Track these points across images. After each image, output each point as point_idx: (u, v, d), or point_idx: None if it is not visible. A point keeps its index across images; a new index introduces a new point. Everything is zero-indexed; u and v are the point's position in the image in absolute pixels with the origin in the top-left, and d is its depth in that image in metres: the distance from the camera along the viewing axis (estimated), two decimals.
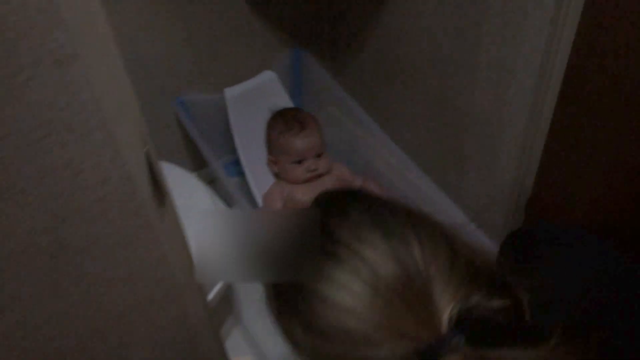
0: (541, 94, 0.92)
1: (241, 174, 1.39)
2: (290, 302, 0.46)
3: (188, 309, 0.60)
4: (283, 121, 1.33)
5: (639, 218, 0.92)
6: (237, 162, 1.40)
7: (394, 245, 0.43)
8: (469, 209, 1.18)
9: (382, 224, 0.45)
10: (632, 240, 0.94)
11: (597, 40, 0.82)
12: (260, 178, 1.36)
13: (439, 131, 1.23)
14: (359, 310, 0.42)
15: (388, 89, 1.33)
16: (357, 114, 1.37)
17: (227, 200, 1.30)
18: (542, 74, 0.90)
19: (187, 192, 1.05)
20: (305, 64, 1.48)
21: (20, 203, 0.40)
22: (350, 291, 0.42)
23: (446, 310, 0.42)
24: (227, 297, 1.21)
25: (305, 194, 1.30)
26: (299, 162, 1.30)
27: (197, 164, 1.50)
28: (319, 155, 1.32)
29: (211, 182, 1.51)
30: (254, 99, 1.43)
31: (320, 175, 1.32)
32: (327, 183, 1.32)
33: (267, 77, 1.46)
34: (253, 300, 1.22)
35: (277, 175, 1.37)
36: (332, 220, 0.45)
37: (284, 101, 1.46)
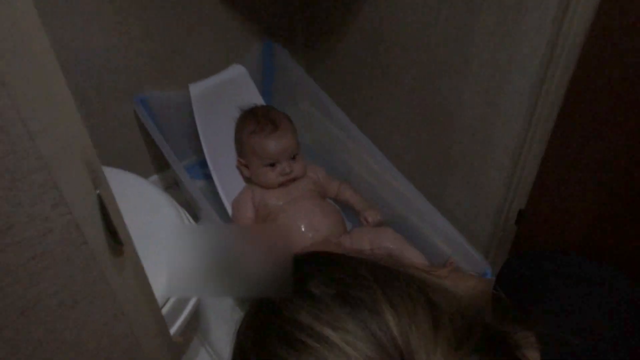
0: (539, 100, 0.86)
1: (208, 176, 1.29)
2: None
3: None
4: (254, 120, 1.24)
5: (636, 233, 0.88)
6: (204, 164, 1.30)
7: (363, 319, 0.37)
8: (453, 219, 1.12)
9: (346, 296, 0.39)
10: (626, 255, 0.90)
11: (607, 45, 0.76)
12: (229, 182, 1.27)
13: (423, 133, 1.16)
14: None
15: (368, 86, 1.26)
16: (333, 112, 1.30)
17: (192, 205, 1.20)
18: (542, 78, 0.83)
19: (153, 206, 0.95)
20: (277, 58, 1.40)
21: None
22: None
23: None
24: (196, 314, 1.12)
25: (279, 199, 1.22)
26: (272, 165, 1.21)
27: (159, 165, 1.39)
28: (293, 157, 1.23)
29: (174, 185, 1.41)
30: (222, 95, 1.33)
31: (294, 179, 1.24)
32: (302, 187, 1.24)
33: (236, 72, 1.37)
34: (223, 320, 1.14)
35: (248, 179, 1.27)
36: (290, 303, 0.40)
37: (255, 98, 1.37)
